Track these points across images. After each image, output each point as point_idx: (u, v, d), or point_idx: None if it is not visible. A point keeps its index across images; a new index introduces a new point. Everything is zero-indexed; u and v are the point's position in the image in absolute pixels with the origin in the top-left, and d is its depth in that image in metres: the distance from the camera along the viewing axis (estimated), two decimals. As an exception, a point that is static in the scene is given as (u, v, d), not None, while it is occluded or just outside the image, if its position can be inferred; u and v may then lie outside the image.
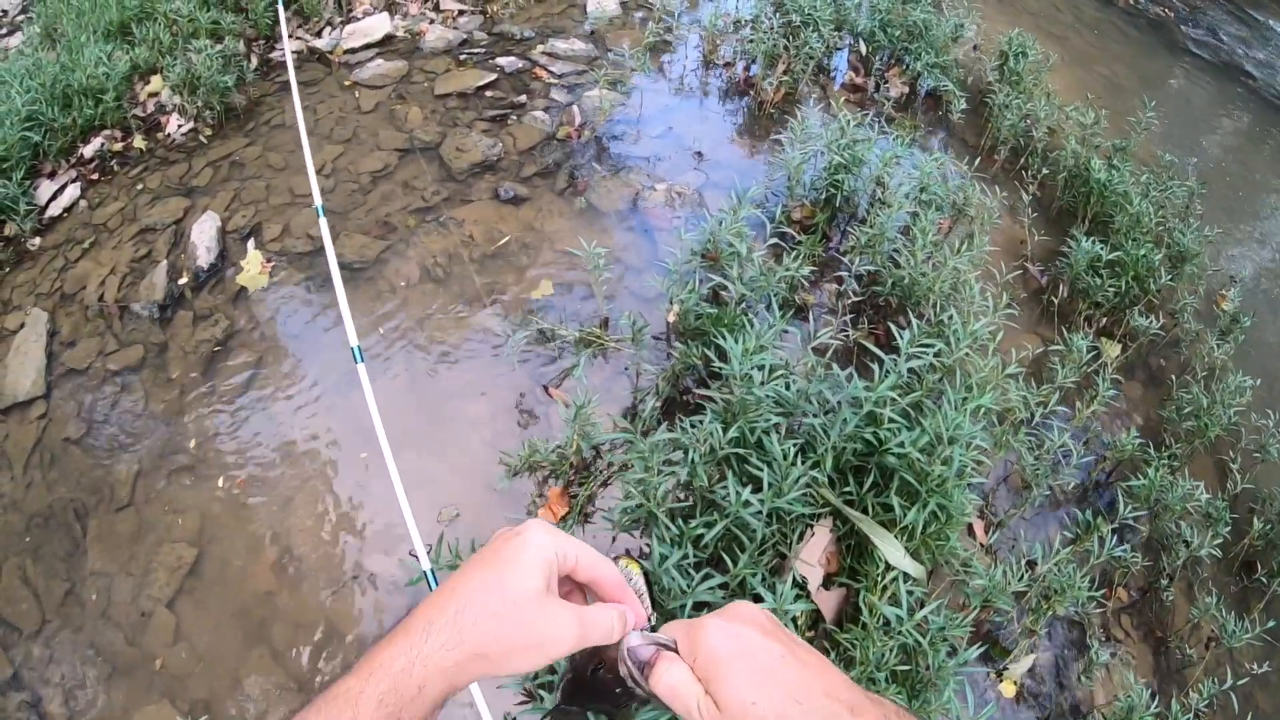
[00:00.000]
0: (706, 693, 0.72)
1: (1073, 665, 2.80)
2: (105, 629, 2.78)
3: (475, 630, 0.71)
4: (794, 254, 2.99)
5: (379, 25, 4.95)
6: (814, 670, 0.72)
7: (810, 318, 2.91)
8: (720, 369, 2.43)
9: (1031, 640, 2.73)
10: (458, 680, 0.71)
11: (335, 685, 0.70)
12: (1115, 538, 2.75)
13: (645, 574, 0.89)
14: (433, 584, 2.34)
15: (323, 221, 2.70)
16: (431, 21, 5.01)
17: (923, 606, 2.26)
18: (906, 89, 4.58)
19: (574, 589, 0.83)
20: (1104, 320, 3.64)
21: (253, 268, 3.65)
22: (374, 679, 0.69)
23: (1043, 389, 3.04)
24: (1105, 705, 2.69)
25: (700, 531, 2.17)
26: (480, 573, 0.74)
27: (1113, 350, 3.54)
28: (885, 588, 2.35)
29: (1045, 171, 4.06)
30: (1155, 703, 2.47)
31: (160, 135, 4.43)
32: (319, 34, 4.99)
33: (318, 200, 2.77)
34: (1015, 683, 2.69)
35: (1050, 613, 2.69)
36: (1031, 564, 2.70)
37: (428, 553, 2.23)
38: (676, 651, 0.77)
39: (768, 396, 2.32)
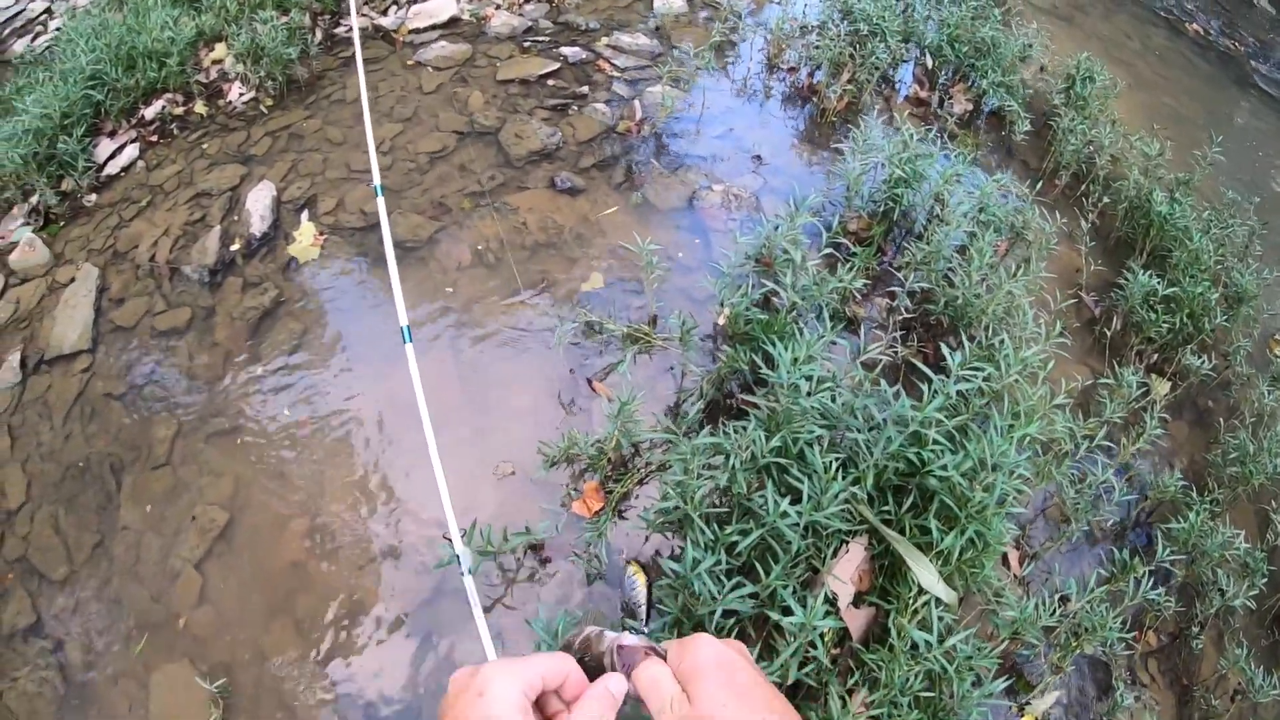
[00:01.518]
0: (683, 692, 0.79)
1: (1095, 706, 2.74)
2: (132, 584, 2.83)
3: None
4: (848, 265, 2.96)
5: (445, 7, 4.98)
6: (781, 702, 0.80)
7: (860, 331, 2.88)
8: (767, 376, 2.41)
9: (1057, 677, 2.68)
10: None
11: None
12: (1151, 579, 2.69)
13: (648, 584, 0.93)
14: (462, 567, 2.33)
15: (380, 201, 2.71)
16: (498, 7, 5.03)
17: (951, 633, 2.22)
18: (970, 106, 4.51)
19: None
20: (1155, 357, 3.56)
21: (305, 239, 3.68)
22: None
23: (1089, 422, 2.98)
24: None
25: (735, 538, 2.15)
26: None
27: (1162, 388, 3.46)
28: (916, 611, 2.32)
29: (1106, 200, 3.97)
30: None
31: (221, 102, 4.50)
32: (384, 12, 5.03)
33: (376, 179, 2.79)
34: (1037, 719, 2.65)
35: (1078, 650, 2.63)
36: (1064, 599, 2.65)
37: (461, 536, 2.23)
38: (664, 657, 0.84)
39: (813, 407, 2.30)
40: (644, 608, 0.92)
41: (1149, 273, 3.50)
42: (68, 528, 2.99)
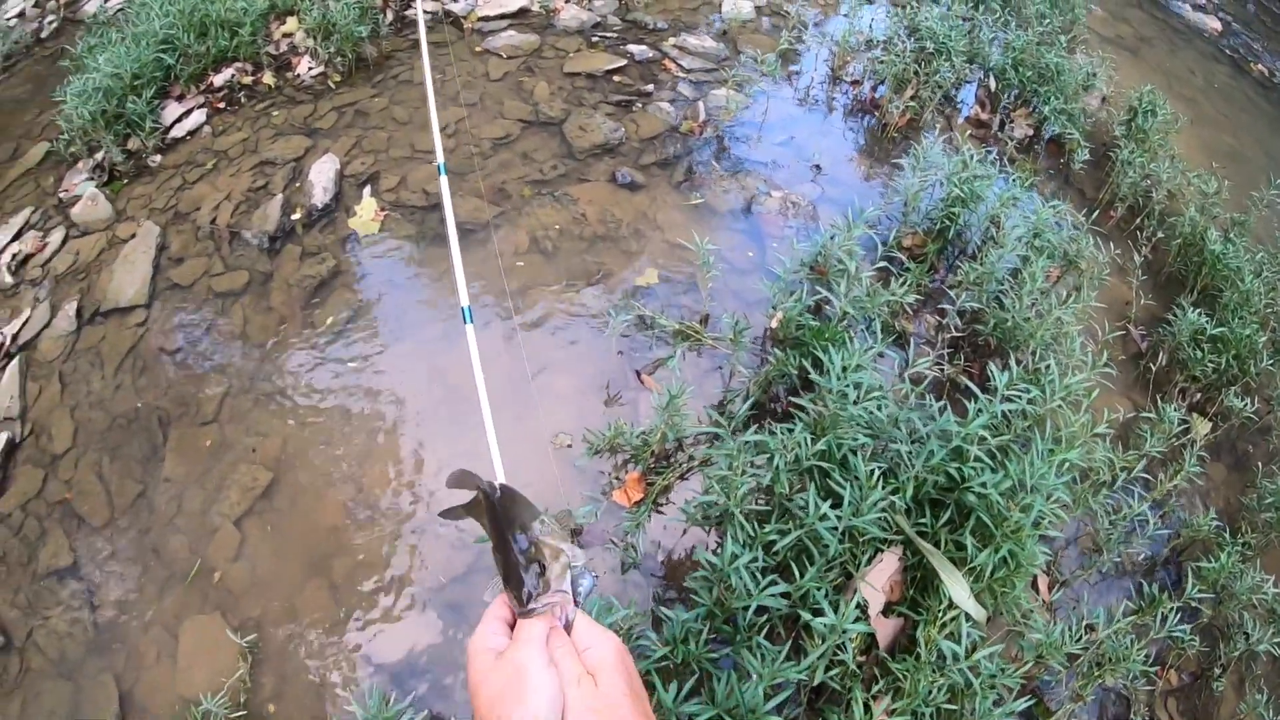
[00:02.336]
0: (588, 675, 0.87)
1: None
2: (170, 535, 2.89)
3: None
4: (901, 280, 2.98)
5: (516, -2, 5.04)
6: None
7: (908, 346, 2.89)
8: (816, 380, 2.43)
9: (1078, 705, 2.67)
10: None
11: None
12: (1177, 616, 2.67)
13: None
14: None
15: (443, 180, 2.76)
16: (568, 1, 5.07)
17: (977, 649, 2.23)
18: (1031, 131, 4.50)
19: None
20: (1198, 395, 3.54)
21: (366, 214, 3.74)
22: None
23: (1128, 454, 2.97)
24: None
25: (773, 537, 2.18)
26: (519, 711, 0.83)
27: (1203, 427, 3.43)
28: (944, 624, 2.33)
29: (1160, 235, 3.95)
30: None
31: (290, 75, 4.58)
32: (455, -1, 5.10)
33: (440, 157, 2.84)
34: (1053, 745, 2.64)
35: (1100, 681, 2.62)
36: (1090, 627, 2.64)
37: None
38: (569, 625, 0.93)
39: (859, 415, 2.32)
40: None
41: (1198, 311, 3.49)
42: (111, 475, 3.06)
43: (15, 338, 3.51)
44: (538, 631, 0.89)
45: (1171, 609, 2.68)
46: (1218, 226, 3.99)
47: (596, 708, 0.84)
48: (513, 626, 0.93)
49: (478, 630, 0.93)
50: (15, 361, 3.40)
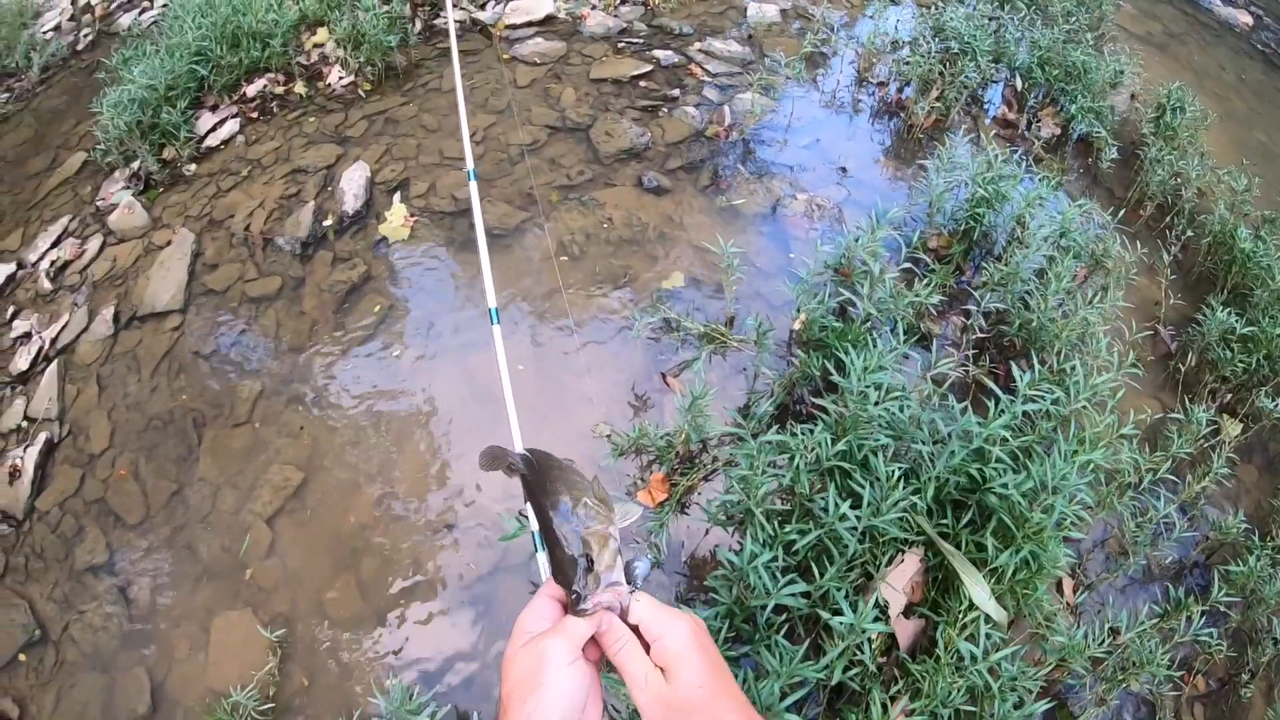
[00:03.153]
0: (657, 669, 0.86)
1: None
2: (203, 533, 2.96)
3: None
4: (926, 281, 2.98)
5: (541, 5, 5.10)
6: (735, 686, 0.88)
7: (932, 347, 2.89)
8: (837, 382, 2.44)
9: (1101, 710, 2.65)
10: None
11: None
12: (1204, 620, 2.64)
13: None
14: (537, 544, 2.35)
15: (473, 185, 2.81)
16: (594, 7, 5.13)
17: (997, 651, 2.22)
18: (1058, 131, 4.46)
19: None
20: (1228, 397, 3.48)
21: (396, 220, 3.80)
22: None
23: (1155, 455, 2.94)
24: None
25: (793, 537, 2.19)
26: (526, 708, 0.83)
27: (1233, 429, 3.38)
28: (965, 626, 2.32)
29: (1189, 233, 3.89)
30: None
31: (321, 84, 4.67)
32: (483, 6, 5.16)
33: (470, 164, 2.89)
34: (1077, 750, 2.62)
35: (1125, 685, 2.60)
36: (1115, 631, 2.62)
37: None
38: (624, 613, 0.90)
39: (880, 416, 2.32)
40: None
41: (1228, 310, 3.43)
42: (147, 475, 3.15)
43: (54, 341, 3.62)
44: (574, 628, 0.88)
45: (1199, 613, 2.65)
46: (1248, 224, 3.92)
47: (669, 702, 0.84)
48: (565, 609, 0.92)
49: (528, 607, 0.93)
50: (54, 365, 3.50)
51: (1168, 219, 4.05)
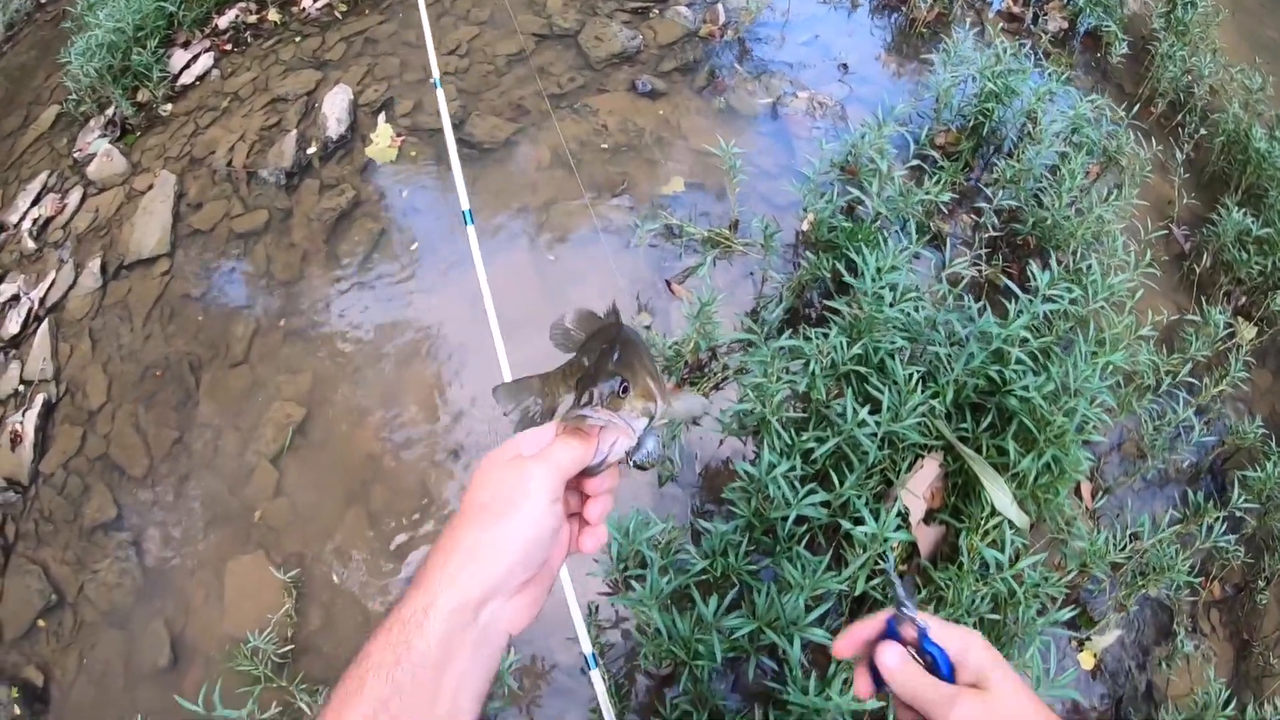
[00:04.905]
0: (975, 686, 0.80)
1: (1154, 650, 2.70)
2: (209, 479, 2.92)
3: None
4: (935, 179, 2.88)
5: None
6: None
7: (944, 246, 2.80)
8: (850, 283, 2.36)
9: (1120, 615, 2.64)
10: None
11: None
12: (1224, 527, 2.61)
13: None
14: None
15: (440, 93, 2.71)
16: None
17: (1020, 558, 2.19)
18: (1066, 25, 4.30)
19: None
20: (1243, 299, 3.42)
21: (382, 141, 3.69)
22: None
23: (1173, 358, 2.88)
24: (1180, 696, 2.59)
25: (811, 445, 2.13)
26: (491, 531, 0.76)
27: (1248, 332, 3.32)
28: (986, 532, 2.29)
29: (1203, 132, 3.79)
30: (1230, 706, 2.34)
31: (295, 9, 4.48)
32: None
33: (435, 73, 2.77)
34: (1095, 655, 2.61)
35: (1144, 590, 2.58)
36: (1135, 536, 2.59)
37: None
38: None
39: (896, 318, 2.25)
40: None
41: (1244, 211, 3.34)
42: (147, 425, 3.08)
43: (43, 301, 3.53)
44: (562, 455, 0.79)
45: (1218, 518, 2.62)
46: (1263, 124, 3.80)
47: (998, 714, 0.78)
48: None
49: (528, 430, 0.84)
50: (45, 324, 3.42)
51: (1180, 116, 3.93)
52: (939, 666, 0.83)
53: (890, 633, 0.86)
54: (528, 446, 0.81)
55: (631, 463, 0.86)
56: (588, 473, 0.82)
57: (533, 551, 0.76)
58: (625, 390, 0.82)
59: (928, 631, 0.84)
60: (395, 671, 0.69)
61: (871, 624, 0.87)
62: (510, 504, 0.75)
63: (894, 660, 0.84)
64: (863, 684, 0.87)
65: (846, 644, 0.88)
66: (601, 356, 0.86)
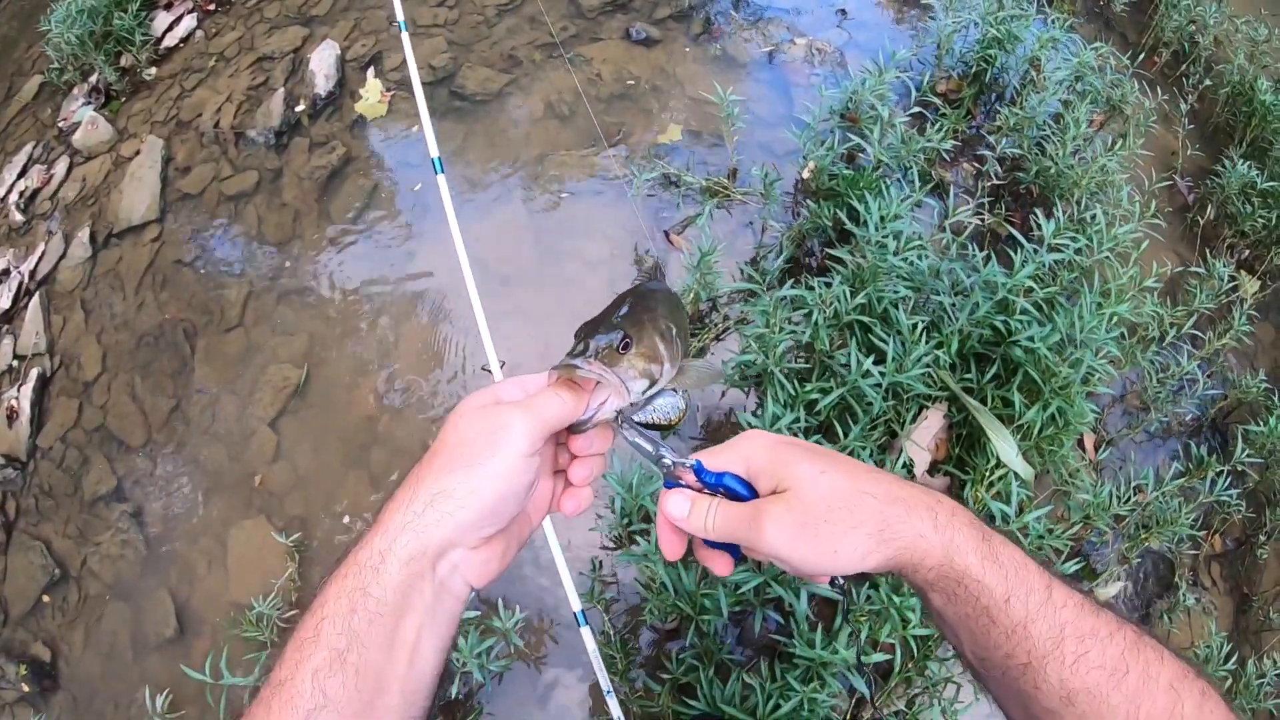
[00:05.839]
0: (776, 491, 0.76)
1: (1156, 603, 2.71)
2: (208, 445, 2.90)
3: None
4: (937, 126, 2.84)
5: None
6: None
7: (947, 194, 2.77)
8: (852, 232, 2.33)
9: (1123, 568, 2.64)
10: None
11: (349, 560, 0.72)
12: (1226, 480, 2.60)
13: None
14: None
15: (405, 36, 2.66)
16: None
17: (1025, 511, 2.18)
18: (1069, -30, 4.22)
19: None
20: (1246, 253, 3.39)
21: (372, 96, 3.64)
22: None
23: (1177, 310, 2.86)
24: (1181, 649, 2.60)
25: (815, 396, 2.11)
26: (457, 476, 0.72)
27: (1251, 286, 3.30)
28: (992, 484, 2.28)
29: (1208, 83, 3.73)
30: (1231, 661, 2.36)
31: (280, -35, 4.38)
32: None
33: (399, 15, 2.72)
34: (1099, 607, 2.62)
35: (1146, 543, 2.58)
36: (1138, 489, 2.58)
37: (501, 367, 2.23)
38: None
39: (899, 266, 2.22)
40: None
41: (1248, 164, 3.31)
42: (144, 394, 3.06)
43: (33, 274, 3.48)
44: (544, 406, 0.75)
45: (1220, 473, 2.61)
46: (1268, 76, 3.75)
47: (806, 516, 0.73)
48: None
49: (510, 379, 0.81)
50: (36, 297, 3.38)
51: (1184, 67, 3.87)
52: (737, 492, 0.78)
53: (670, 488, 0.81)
54: (508, 392, 0.77)
55: (628, 425, 0.81)
56: (574, 429, 0.78)
57: (502, 505, 0.72)
58: (626, 347, 0.78)
59: (702, 465, 0.79)
60: (352, 620, 0.66)
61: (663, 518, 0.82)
62: (482, 451, 0.71)
63: (678, 504, 0.79)
64: (719, 562, 0.82)
65: (668, 543, 0.82)
66: (611, 308, 0.83)
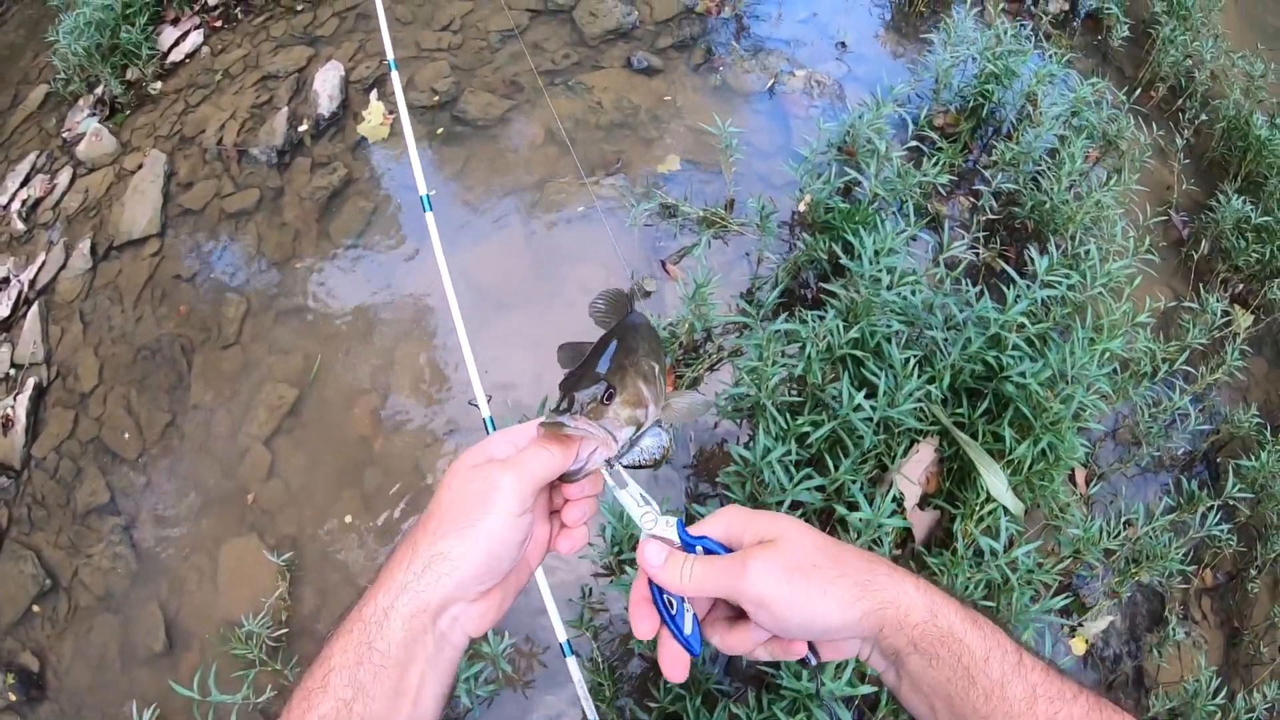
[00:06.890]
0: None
1: (1146, 637, 2.70)
2: (202, 461, 2.90)
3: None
4: (933, 160, 2.85)
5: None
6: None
7: (942, 228, 2.78)
8: (847, 265, 2.34)
9: (1113, 602, 2.64)
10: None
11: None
12: (1217, 514, 2.60)
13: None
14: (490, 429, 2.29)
15: (394, 74, 2.69)
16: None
17: (1015, 545, 2.18)
18: (1067, 6, 4.26)
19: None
20: (1240, 287, 3.41)
21: (374, 119, 3.66)
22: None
23: (1170, 345, 2.87)
24: (1170, 683, 2.60)
25: (806, 429, 2.12)
26: (452, 539, 0.74)
27: (1244, 320, 3.31)
28: (982, 518, 2.28)
29: (1203, 118, 3.76)
30: (1220, 694, 2.35)
31: (287, -16, 4.41)
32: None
33: (390, 54, 2.74)
34: (1087, 641, 2.61)
35: (1136, 578, 2.58)
36: (1128, 523, 2.59)
37: (488, 401, 2.23)
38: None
39: (893, 301, 2.23)
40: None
41: (1243, 199, 3.33)
42: (139, 408, 3.07)
43: (33, 283, 3.50)
44: (532, 463, 0.77)
45: (1211, 507, 2.62)
46: (1263, 111, 3.78)
47: (794, 563, 0.75)
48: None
49: (500, 432, 0.83)
50: (35, 307, 3.40)
51: (1180, 102, 3.91)
52: (715, 552, 0.80)
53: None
54: (499, 449, 0.79)
55: (617, 466, 0.83)
56: (566, 479, 0.81)
57: (495, 563, 0.75)
58: (610, 398, 0.80)
59: (683, 524, 0.81)
60: (358, 672, 0.69)
61: (639, 585, 0.83)
62: (474, 512, 0.74)
63: (654, 552, 0.80)
64: (675, 666, 0.81)
65: (640, 619, 0.83)
66: (591, 356, 0.84)
